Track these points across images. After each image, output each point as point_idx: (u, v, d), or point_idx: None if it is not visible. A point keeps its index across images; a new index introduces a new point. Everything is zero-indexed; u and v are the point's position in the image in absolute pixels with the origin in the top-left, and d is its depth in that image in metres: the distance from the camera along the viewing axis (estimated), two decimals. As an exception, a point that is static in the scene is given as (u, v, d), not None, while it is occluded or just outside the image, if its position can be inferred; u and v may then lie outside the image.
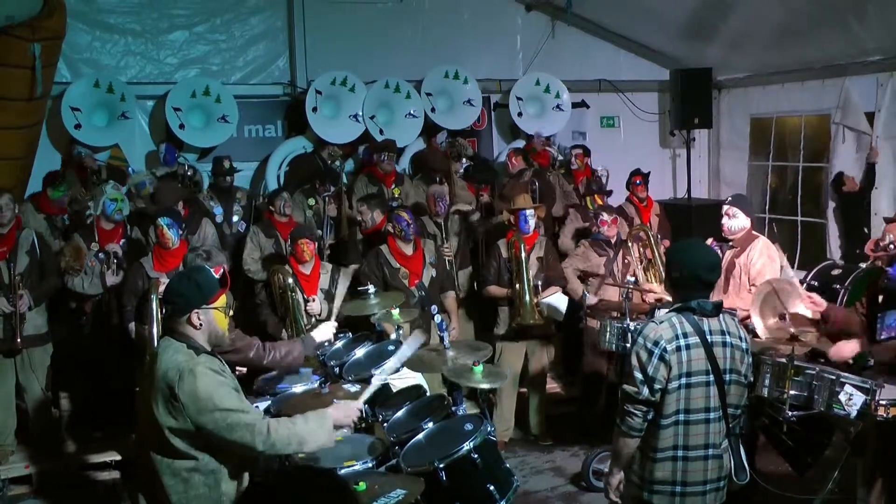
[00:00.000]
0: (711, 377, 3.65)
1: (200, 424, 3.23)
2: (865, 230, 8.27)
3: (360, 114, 9.09)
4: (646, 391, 3.62)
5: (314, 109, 8.88)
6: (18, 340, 6.27)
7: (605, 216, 6.87)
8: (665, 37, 10.02)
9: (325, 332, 5.00)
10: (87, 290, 6.50)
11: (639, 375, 3.64)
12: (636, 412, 3.66)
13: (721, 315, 3.77)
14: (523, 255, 6.56)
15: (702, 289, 3.74)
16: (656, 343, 3.62)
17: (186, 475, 3.31)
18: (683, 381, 3.62)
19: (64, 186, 7.25)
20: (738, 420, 3.82)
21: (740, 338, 3.78)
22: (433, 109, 9.44)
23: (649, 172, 8.43)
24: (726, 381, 3.69)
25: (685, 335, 3.64)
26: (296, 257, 6.24)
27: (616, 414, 3.80)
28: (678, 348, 3.62)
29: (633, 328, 5.48)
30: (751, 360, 3.83)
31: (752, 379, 3.89)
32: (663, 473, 3.71)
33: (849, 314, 5.22)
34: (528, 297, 6.50)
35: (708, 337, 3.66)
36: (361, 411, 3.76)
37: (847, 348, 4.89)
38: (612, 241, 6.85)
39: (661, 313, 4.01)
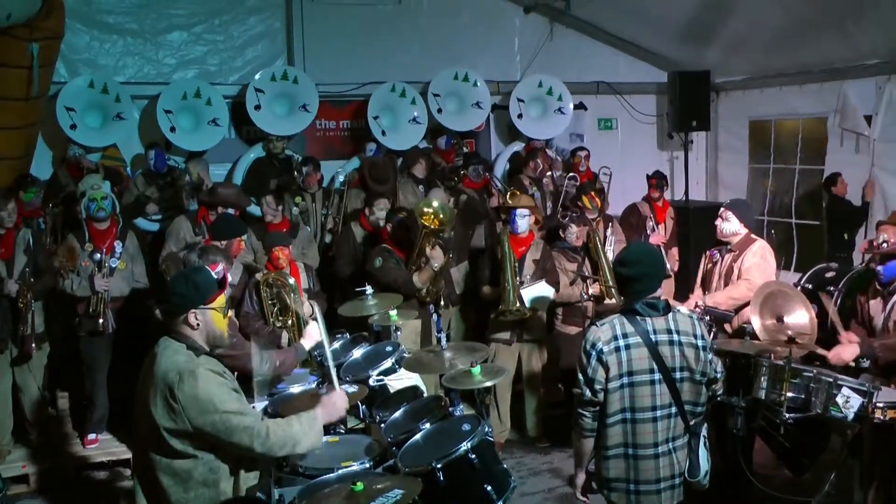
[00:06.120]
0: (658, 376, 3.72)
1: (199, 426, 3.23)
2: (846, 236, 8.32)
3: (308, 104, 8.95)
4: (588, 392, 3.76)
5: (257, 107, 8.76)
6: (33, 345, 6.33)
7: (573, 228, 6.86)
8: (663, 39, 10.03)
9: (312, 335, 4.92)
10: (76, 292, 6.45)
11: (581, 377, 3.78)
12: (585, 413, 3.81)
13: (672, 314, 3.81)
14: (506, 246, 6.56)
15: (627, 285, 3.83)
16: (594, 345, 3.75)
17: (185, 475, 3.30)
18: (626, 380, 3.71)
19: (35, 189, 7.15)
20: (698, 417, 3.85)
21: (694, 335, 3.81)
22: (440, 110, 9.41)
23: (666, 176, 8.50)
24: (677, 379, 3.74)
25: (625, 336, 3.73)
26: (273, 264, 6.08)
27: (571, 417, 3.90)
28: (617, 349, 3.71)
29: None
30: (710, 357, 3.87)
31: (714, 375, 3.90)
32: (616, 471, 3.82)
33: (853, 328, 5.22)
34: (509, 286, 6.48)
35: (652, 336, 3.73)
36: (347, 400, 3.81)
37: (846, 352, 4.91)
38: (578, 247, 6.90)
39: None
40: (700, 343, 3.81)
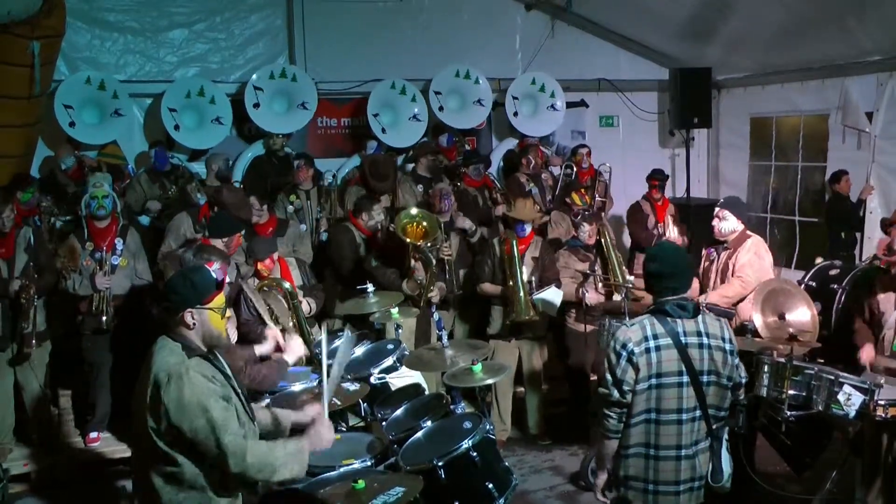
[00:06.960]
0: (685, 378, 3.67)
1: (178, 428, 3.15)
2: (843, 235, 8.34)
3: (307, 102, 8.93)
4: (616, 393, 3.69)
5: (256, 105, 8.72)
6: (33, 342, 6.31)
7: (585, 226, 6.88)
8: (665, 36, 10.02)
9: (294, 349, 4.89)
10: (79, 291, 6.45)
11: (609, 378, 3.71)
12: (611, 414, 3.74)
13: (701, 316, 3.77)
14: (515, 252, 6.57)
15: (655, 281, 3.78)
16: (624, 346, 3.68)
17: (176, 477, 3.23)
18: (654, 381, 3.66)
19: (32, 189, 7.13)
20: (721, 421, 3.81)
21: (723, 339, 3.77)
22: (441, 108, 9.38)
23: (668, 176, 8.46)
24: (704, 383, 3.70)
25: (655, 336, 3.68)
26: (261, 274, 5.93)
27: (596, 416, 3.85)
28: (647, 350, 3.66)
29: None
30: (736, 361, 3.83)
31: (739, 380, 3.87)
32: (635, 471, 3.77)
33: (859, 329, 5.19)
34: (521, 294, 6.50)
35: (682, 338, 3.68)
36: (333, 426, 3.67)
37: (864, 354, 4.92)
38: (591, 245, 6.90)
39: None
40: (728, 347, 3.77)
